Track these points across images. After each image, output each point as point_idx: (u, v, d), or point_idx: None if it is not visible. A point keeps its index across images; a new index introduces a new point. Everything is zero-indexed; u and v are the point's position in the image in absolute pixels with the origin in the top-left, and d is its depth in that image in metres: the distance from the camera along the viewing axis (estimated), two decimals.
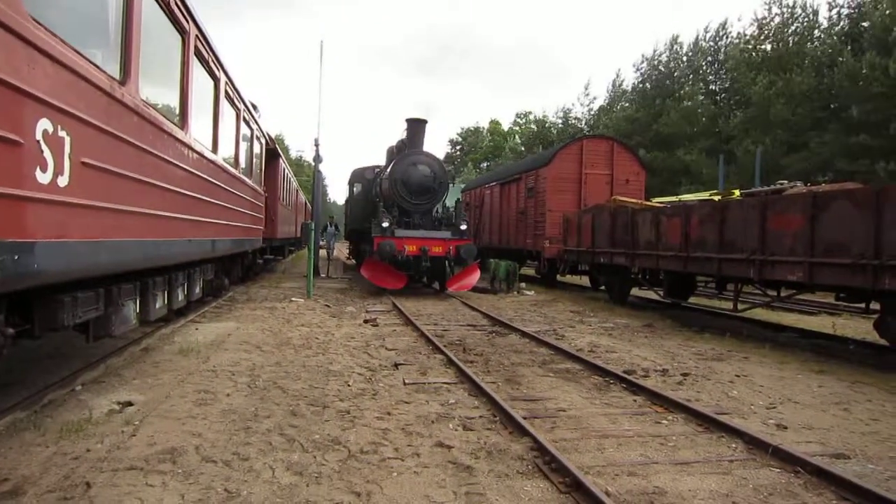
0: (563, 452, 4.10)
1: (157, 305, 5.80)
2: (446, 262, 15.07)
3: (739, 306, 10.10)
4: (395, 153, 17.38)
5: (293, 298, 13.24)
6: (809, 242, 7.80)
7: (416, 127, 16.28)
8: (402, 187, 15.45)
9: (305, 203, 36.27)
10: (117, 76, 4.16)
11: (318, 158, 19.76)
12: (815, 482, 3.80)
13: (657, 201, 16.08)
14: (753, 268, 8.83)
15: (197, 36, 6.28)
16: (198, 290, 7.97)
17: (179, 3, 5.49)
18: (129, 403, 5.05)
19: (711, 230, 9.88)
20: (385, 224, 14.53)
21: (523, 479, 3.80)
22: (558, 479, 3.72)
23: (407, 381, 6.21)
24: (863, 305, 8.57)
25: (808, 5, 31.50)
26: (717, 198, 11.86)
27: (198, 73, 6.51)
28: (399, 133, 18.97)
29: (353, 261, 27.45)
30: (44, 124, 3.06)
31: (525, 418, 4.84)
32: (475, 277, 15.27)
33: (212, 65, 7.17)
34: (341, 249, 43.44)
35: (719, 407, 5.54)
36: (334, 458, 4.00)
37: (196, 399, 5.23)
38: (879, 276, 6.83)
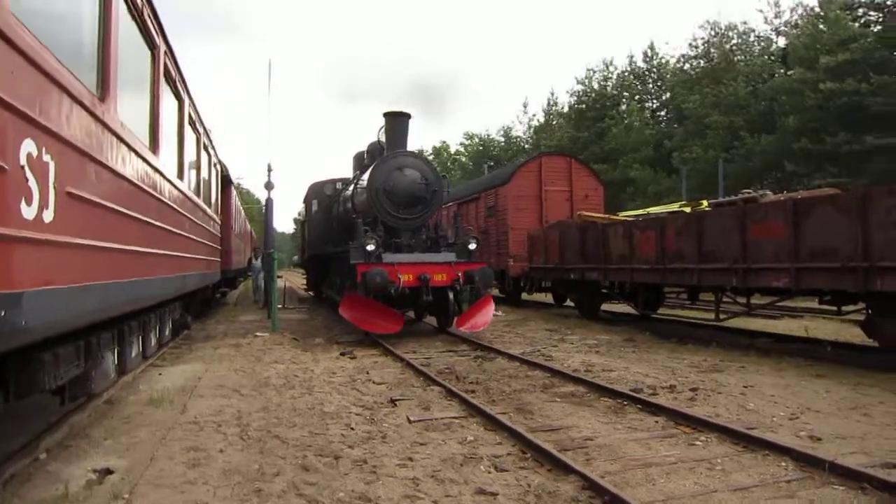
0: (617, 489, 3.75)
1: (133, 354, 5.15)
2: (450, 294, 11.57)
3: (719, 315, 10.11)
4: (367, 158, 14.22)
5: (257, 333, 12.46)
6: (794, 248, 7.85)
7: (398, 123, 12.91)
8: (386, 198, 12.13)
9: (251, 231, 35.15)
10: (95, 91, 3.60)
11: (269, 185, 18.93)
12: (889, 499, 3.59)
13: (624, 215, 16.20)
14: (736, 276, 8.84)
15: (166, 52, 5.73)
16: (167, 331, 7.26)
17: (151, 16, 4.95)
18: (109, 471, 4.37)
19: (689, 241, 9.88)
20: (370, 247, 11.11)
21: None
22: None
23: (412, 419, 5.75)
24: (835, 308, 8.71)
25: (744, 24, 33.32)
26: (687, 209, 11.97)
27: (166, 92, 5.95)
28: (358, 146, 16.41)
29: (311, 293, 24.79)
30: (28, 146, 2.52)
31: (558, 452, 4.48)
32: (491, 311, 11.93)
33: (178, 85, 6.60)
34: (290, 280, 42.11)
35: (742, 421, 5.35)
36: None
37: (187, 459, 4.60)
38: (871, 278, 6.88)
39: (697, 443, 4.82)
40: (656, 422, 5.47)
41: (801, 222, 7.79)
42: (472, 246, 12.01)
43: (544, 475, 4.17)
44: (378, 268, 10.62)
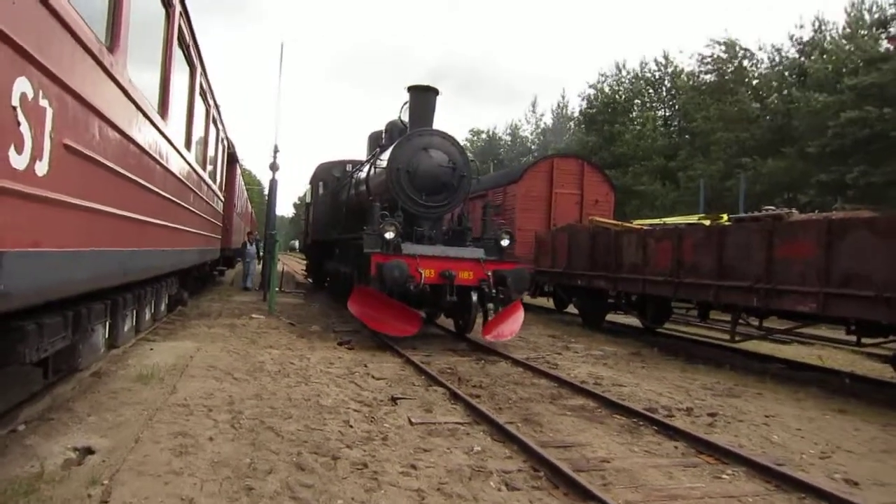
0: None
1: (126, 328, 4.81)
2: (474, 295, 9.89)
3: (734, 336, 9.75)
4: (385, 138, 12.67)
5: (252, 315, 12.11)
6: (824, 272, 7.49)
7: (423, 99, 11.31)
8: (408, 182, 10.56)
9: (252, 213, 34.90)
10: (104, 39, 3.24)
11: (274, 166, 18.55)
12: None
13: (638, 223, 15.82)
14: (758, 296, 8.49)
15: (181, 13, 5.37)
16: (163, 307, 6.90)
17: None
18: (90, 451, 4.04)
19: (707, 255, 9.51)
20: (389, 234, 9.64)
21: None
22: None
23: (414, 421, 5.42)
24: (854, 339, 8.36)
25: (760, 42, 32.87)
26: (707, 222, 11.62)
27: (178, 56, 5.58)
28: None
29: (310, 279, 23.96)
30: (22, 85, 2.16)
31: (575, 473, 4.14)
32: (520, 319, 10.42)
33: (191, 51, 6.23)
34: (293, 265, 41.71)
35: (767, 455, 5.00)
36: None
37: (174, 446, 4.26)
38: None
39: (724, 476, 4.47)
40: (675, 447, 5.12)
41: (834, 244, 7.42)
42: (505, 242, 10.55)
43: (560, 499, 3.84)
44: (397, 259, 9.23)
